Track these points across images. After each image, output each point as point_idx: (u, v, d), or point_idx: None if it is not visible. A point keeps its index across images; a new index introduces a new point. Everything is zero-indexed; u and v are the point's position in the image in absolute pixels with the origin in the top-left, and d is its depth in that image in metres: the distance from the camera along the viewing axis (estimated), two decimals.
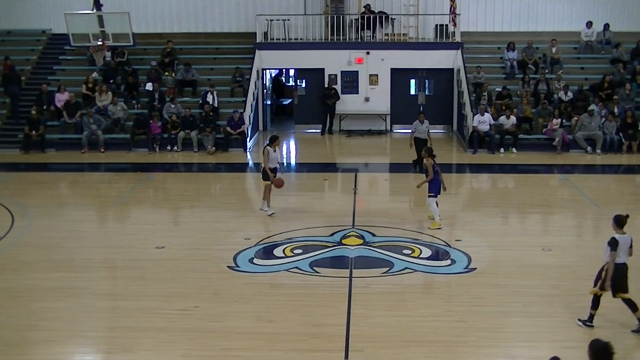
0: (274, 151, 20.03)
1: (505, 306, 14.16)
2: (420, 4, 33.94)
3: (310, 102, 33.68)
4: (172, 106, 29.96)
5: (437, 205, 18.78)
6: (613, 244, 12.93)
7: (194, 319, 13.33)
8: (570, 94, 30.42)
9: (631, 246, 13.11)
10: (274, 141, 20.07)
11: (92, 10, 31.49)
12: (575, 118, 29.18)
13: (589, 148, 28.53)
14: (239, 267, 15.99)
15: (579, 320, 13.26)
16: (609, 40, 33.46)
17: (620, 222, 13.15)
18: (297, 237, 17.99)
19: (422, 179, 19.07)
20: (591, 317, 13.18)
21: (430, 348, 12.24)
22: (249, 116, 30.67)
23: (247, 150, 29.46)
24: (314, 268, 15.86)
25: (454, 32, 32.93)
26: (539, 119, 29.46)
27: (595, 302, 13.14)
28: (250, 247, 17.17)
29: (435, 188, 18.68)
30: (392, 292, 14.70)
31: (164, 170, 26.95)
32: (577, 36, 33.78)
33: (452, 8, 32.46)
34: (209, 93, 30.58)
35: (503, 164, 25.67)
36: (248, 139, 29.75)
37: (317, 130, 33.28)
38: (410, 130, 25.59)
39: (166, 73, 32.30)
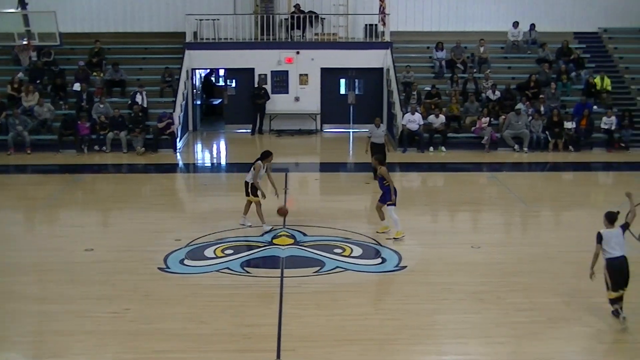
0: (264, 167, 18.69)
1: (436, 303, 14.28)
2: (350, 4, 34.06)
3: (240, 102, 33.57)
4: (101, 106, 29.61)
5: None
6: (597, 237, 13.27)
7: (125, 322, 13.17)
8: (498, 93, 30.83)
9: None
10: (266, 157, 18.69)
11: (17, 9, 30.87)
12: (503, 117, 29.58)
13: (516, 146, 28.96)
14: (169, 268, 15.86)
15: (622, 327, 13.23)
16: (535, 40, 33.98)
17: (610, 218, 13.48)
18: (228, 237, 17.91)
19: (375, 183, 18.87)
20: (615, 311, 13.33)
21: (362, 346, 12.27)
22: (179, 116, 30.46)
23: (177, 150, 29.26)
24: (245, 268, 15.81)
25: (384, 31, 33.13)
26: (467, 117, 29.80)
27: (613, 301, 13.31)
28: (181, 248, 17.03)
29: (392, 196, 17.95)
30: (323, 292, 14.71)
31: (92, 171, 26.59)
32: (504, 36, 34.23)
33: (382, 8, 32.66)
34: (138, 93, 30.30)
35: (432, 163, 25.92)
36: (178, 140, 29.54)
37: (247, 130, 33.18)
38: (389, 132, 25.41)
39: (94, 73, 31.90)
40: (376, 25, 33.31)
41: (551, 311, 13.89)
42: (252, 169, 18.52)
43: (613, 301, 13.36)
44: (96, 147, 28.98)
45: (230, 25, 33.40)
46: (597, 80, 31.59)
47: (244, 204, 18.88)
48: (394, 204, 17.84)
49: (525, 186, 24.37)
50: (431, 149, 28.86)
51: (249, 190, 18.60)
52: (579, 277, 15.23)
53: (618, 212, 13.58)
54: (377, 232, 18.31)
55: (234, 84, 34.56)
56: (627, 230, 13.35)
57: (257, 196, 18.61)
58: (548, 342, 12.65)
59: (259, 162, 18.55)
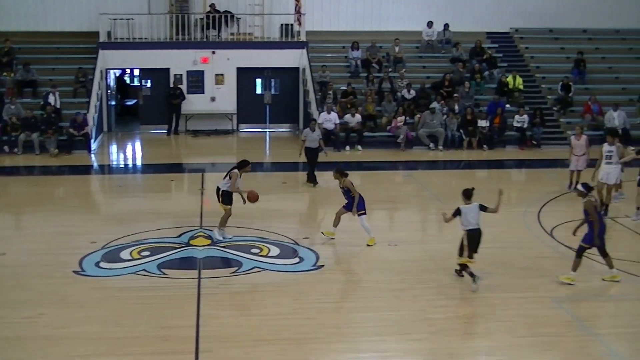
0: (240, 177, 17.88)
1: (353, 302, 14.38)
2: (266, 3, 34.03)
3: (155, 103, 33.24)
4: (12, 107, 29.02)
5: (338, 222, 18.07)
6: (455, 211, 14.92)
7: (39, 327, 12.94)
8: (413, 92, 31.14)
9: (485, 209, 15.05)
10: (244, 166, 17.96)
11: None
12: (418, 115, 29.89)
13: (431, 145, 29.30)
14: (84, 271, 15.63)
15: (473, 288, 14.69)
16: (449, 40, 34.44)
17: (467, 194, 15.11)
18: (145, 239, 17.72)
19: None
20: (471, 274, 14.80)
21: (280, 346, 12.29)
22: (93, 117, 30.03)
23: (91, 152, 28.84)
24: (162, 270, 15.68)
25: (299, 31, 33.19)
26: (383, 116, 30.03)
27: (464, 266, 14.91)
28: (97, 251, 16.80)
29: (362, 205, 17.48)
30: (241, 292, 14.71)
31: (4, 174, 26.01)
32: (418, 36, 34.60)
33: (297, 8, 32.71)
34: (51, 94, 29.80)
35: (349, 162, 26.01)
36: (92, 141, 29.13)
37: (163, 131, 32.89)
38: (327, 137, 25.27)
39: (4, 73, 31.25)
40: (292, 25, 33.34)
41: (467, 307, 14.11)
42: (227, 177, 17.72)
43: (463, 266, 14.90)
44: (6, 149, 28.35)
45: (145, 24, 33.05)
46: (510, 79, 32.16)
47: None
48: (365, 213, 17.50)
49: (441, 184, 24.68)
50: (347, 148, 29.02)
51: (221, 198, 17.76)
52: (493, 273, 15.52)
53: (473, 189, 15.24)
54: (322, 232, 18.07)
55: (149, 84, 34.21)
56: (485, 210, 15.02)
57: (229, 205, 17.73)
58: (464, 337, 12.85)
59: (236, 170, 17.73)
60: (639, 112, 31.84)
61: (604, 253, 15.15)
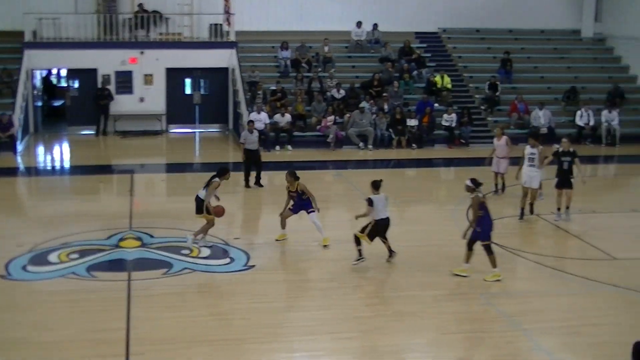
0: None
1: (285, 301, 14.42)
2: (195, 3, 33.83)
3: (83, 103, 32.80)
4: None
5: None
6: (369, 201, 15.80)
7: None
8: (342, 92, 31.27)
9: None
10: (224, 174, 17.37)
11: None
12: (348, 115, 30.03)
13: (361, 144, 29.46)
14: (11, 275, 15.38)
15: (353, 263, 15.84)
16: (378, 40, 34.66)
17: (375, 185, 16.01)
18: (73, 241, 17.50)
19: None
20: (359, 252, 15.89)
21: (212, 347, 12.26)
22: (19, 118, 29.54)
23: (17, 153, 28.37)
24: (92, 273, 15.52)
25: (229, 31, 33.08)
26: (313, 116, 30.10)
27: (358, 241, 15.94)
28: (23, 254, 16.54)
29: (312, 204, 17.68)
30: (172, 293, 14.62)
31: None
32: (347, 36, 34.75)
33: (227, 8, 32.61)
34: None
35: (279, 162, 26.04)
36: (18, 142, 28.67)
37: (91, 132, 32.50)
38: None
39: None
40: (221, 25, 33.22)
41: (397, 305, 14.25)
42: (206, 186, 17.17)
43: (359, 242, 15.87)
44: None
45: (71, 24, 32.58)
46: (438, 78, 32.50)
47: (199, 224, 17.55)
48: (314, 210, 17.56)
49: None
50: (277, 147, 29.03)
51: (202, 207, 17.11)
52: (423, 271, 15.69)
53: (381, 180, 16.16)
54: (276, 239, 17.83)
55: (76, 85, 33.76)
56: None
57: (211, 214, 17.17)
58: (394, 335, 12.96)
59: (217, 179, 17.14)
60: (564, 111, 32.42)
61: (490, 250, 15.36)
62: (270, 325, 13.22)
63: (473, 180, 15.37)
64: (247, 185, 22.86)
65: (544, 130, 29.59)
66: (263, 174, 23.36)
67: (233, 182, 24.33)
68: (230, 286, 15.20)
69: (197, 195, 17.27)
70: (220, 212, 17.29)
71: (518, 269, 16.49)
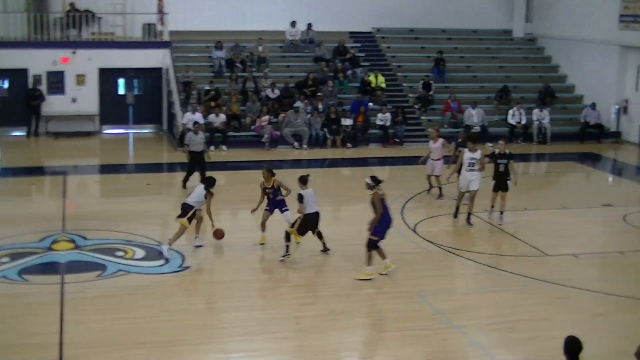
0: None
1: (221, 302, 14.38)
2: (127, 3, 33.45)
3: (13, 104, 32.22)
4: None
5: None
6: (299, 198, 16.13)
7: None
8: (277, 92, 31.24)
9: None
10: (213, 184, 17.20)
11: None
12: (282, 115, 30.01)
13: (295, 144, 29.46)
14: None
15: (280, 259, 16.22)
16: (312, 40, 34.69)
17: (303, 180, 16.41)
18: (4, 245, 17.20)
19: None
20: (287, 248, 16.26)
21: (148, 349, 12.18)
22: None
23: None
24: (23, 276, 15.29)
25: (162, 31, 32.82)
26: (247, 116, 30.01)
27: (287, 237, 16.28)
28: None
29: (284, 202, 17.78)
30: (106, 296, 14.48)
31: None
32: (282, 35, 34.73)
33: (160, 7, 32.36)
34: None
35: (213, 162, 25.86)
36: None
37: (23, 133, 31.98)
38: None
39: None
40: (154, 24, 32.95)
41: (333, 304, 14.29)
42: (196, 195, 16.99)
43: (288, 238, 16.24)
44: None
45: (0, 23, 32.03)
46: (372, 78, 32.64)
47: (193, 225, 17.25)
48: (288, 210, 17.49)
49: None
50: (212, 148, 28.80)
51: (188, 213, 16.81)
52: (359, 270, 15.74)
53: (308, 175, 16.71)
54: (260, 243, 17.62)
55: (5, 85, 33.17)
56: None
57: (189, 221, 16.83)
58: (331, 334, 13.00)
59: (210, 191, 17.01)
60: (496, 109, 32.82)
61: (374, 246, 15.47)
62: (205, 326, 13.17)
63: (373, 178, 15.50)
64: (184, 187, 22.65)
65: (476, 129, 29.95)
66: (197, 174, 23.18)
67: (168, 183, 24.30)
68: (165, 288, 15.10)
69: (185, 202, 17.03)
70: (219, 235, 17.39)
71: (452, 266, 16.66)
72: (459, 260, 16.87)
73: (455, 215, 19.79)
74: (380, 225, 15.36)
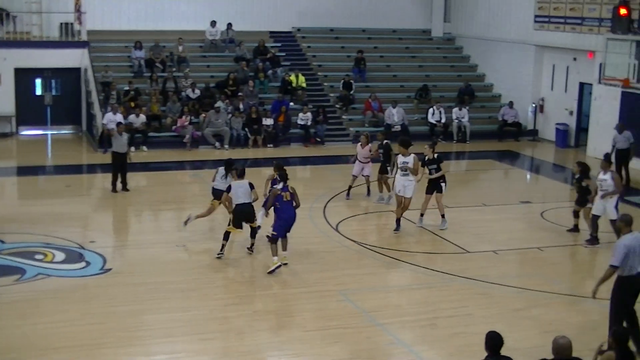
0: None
1: (143, 304, 14.23)
2: (44, 1, 32.88)
3: None
4: None
5: None
6: (227, 189, 16.63)
7: None
8: (197, 92, 31.05)
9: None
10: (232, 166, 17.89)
11: None
12: (203, 115, 29.83)
13: (217, 144, 29.31)
14: None
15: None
16: (233, 39, 34.57)
17: (238, 172, 16.88)
18: None
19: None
20: (222, 246, 16.47)
21: (69, 354, 12.02)
22: None
23: None
24: None
25: (80, 30, 32.35)
26: (168, 116, 29.77)
27: (226, 236, 16.53)
28: None
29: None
30: (25, 300, 14.22)
31: None
32: (202, 35, 34.52)
33: (77, 6, 31.89)
34: None
35: (134, 163, 25.60)
36: None
37: None
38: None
39: None
40: (72, 24, 32.46)
41: (257, 304, 14.31)
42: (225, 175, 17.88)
43: (227, 237, 16.46)
44: None
45: None
46: (293, 77, 32.67)
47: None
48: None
49: None
50: (132, 148, 28.45)
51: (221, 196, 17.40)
52: (282, 270, 15.77)
53: (244, 167, 17.19)
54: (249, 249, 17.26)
55: None
56: None
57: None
58: (255, 334, 12.99)
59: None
60: (416, 108, 33.14)
61: (272, 241, 15.94)
62: (127, 329, 13.04)
63: (280, 174, 16.44)
64: (114, 190, 22.24)
65: (397, 128, 30.22)
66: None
67: (88, 184, 23.96)
68: (86, 291, 14.89)
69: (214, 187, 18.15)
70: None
71: (375, 265, 16.75)
72: (381, 259, 16.98)
73: (397, 228, 19.02)
74: (278, 221, 15.93)
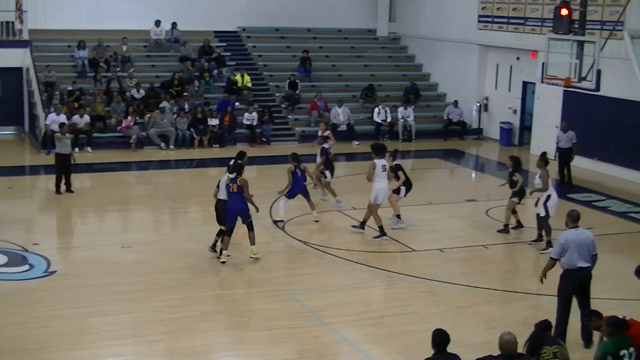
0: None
1: (88, 307, 14.09)
2: None
3: None
4: None
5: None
6: (218, 183, 16.54)
7: None
8: (142, 92, 30.83)
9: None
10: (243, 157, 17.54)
11: None
12: (148, 115, 29.62)
13: (162, 144, 29.12)
14: None
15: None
16: (178, 39, 34.38)
17: (230, 167, 16.47)
18: None
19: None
20: (214, 242, 16.55)
21: (13, 358, 11.86)
22: None
23: None
24: None
25: (22, 29, 31.94)
26: (113, 117, 29.52)
27: (219, 233, 16.50)
28: None
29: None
30: None
31: None
32: (146, 34, 34.28)
33: (18, 5, 31.48)
34: None
35: (78, 164, 25.37)
36: None
37: None
38: None
39: None
40: (13, 22, 32.03)
41: (203, 305, 14.24)
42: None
43: (219, 233, 16.39)
44: None
45: None
46: (238, 77, 32.59)
47: None
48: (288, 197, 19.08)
49: (173, 183, 24.72)
50: (76, 149, 28.16)
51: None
52: (228, 270, 15.75)
53: (236, 163, 16.73)
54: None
55: None
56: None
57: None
58: (202, 335, 12.94)
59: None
60: (362, 108, 33.26)
61: (222, 234, 16.40)
62: (72, 332, 12.92)
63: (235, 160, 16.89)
64: (57, 192, 21.96)
65: (342, 127, 30.33)
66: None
67: (31, 186, 23.67)
68: (30, 294, 14.70)
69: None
70: None
71: (321, 264, 16.78)
72: (327, 258, 17.02)
73: (361, 226, 18.90)
74: (227, 214, 16.29)
